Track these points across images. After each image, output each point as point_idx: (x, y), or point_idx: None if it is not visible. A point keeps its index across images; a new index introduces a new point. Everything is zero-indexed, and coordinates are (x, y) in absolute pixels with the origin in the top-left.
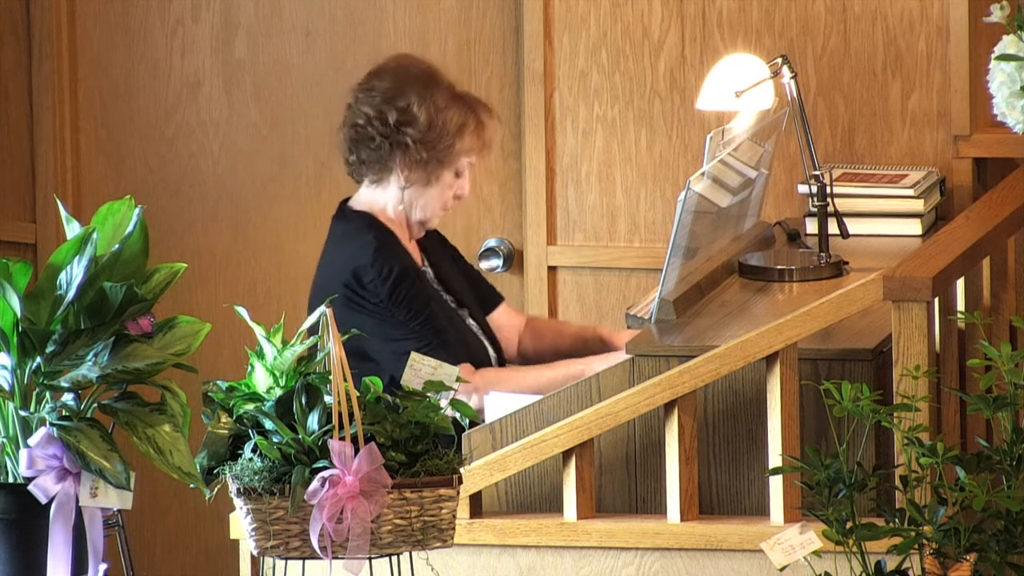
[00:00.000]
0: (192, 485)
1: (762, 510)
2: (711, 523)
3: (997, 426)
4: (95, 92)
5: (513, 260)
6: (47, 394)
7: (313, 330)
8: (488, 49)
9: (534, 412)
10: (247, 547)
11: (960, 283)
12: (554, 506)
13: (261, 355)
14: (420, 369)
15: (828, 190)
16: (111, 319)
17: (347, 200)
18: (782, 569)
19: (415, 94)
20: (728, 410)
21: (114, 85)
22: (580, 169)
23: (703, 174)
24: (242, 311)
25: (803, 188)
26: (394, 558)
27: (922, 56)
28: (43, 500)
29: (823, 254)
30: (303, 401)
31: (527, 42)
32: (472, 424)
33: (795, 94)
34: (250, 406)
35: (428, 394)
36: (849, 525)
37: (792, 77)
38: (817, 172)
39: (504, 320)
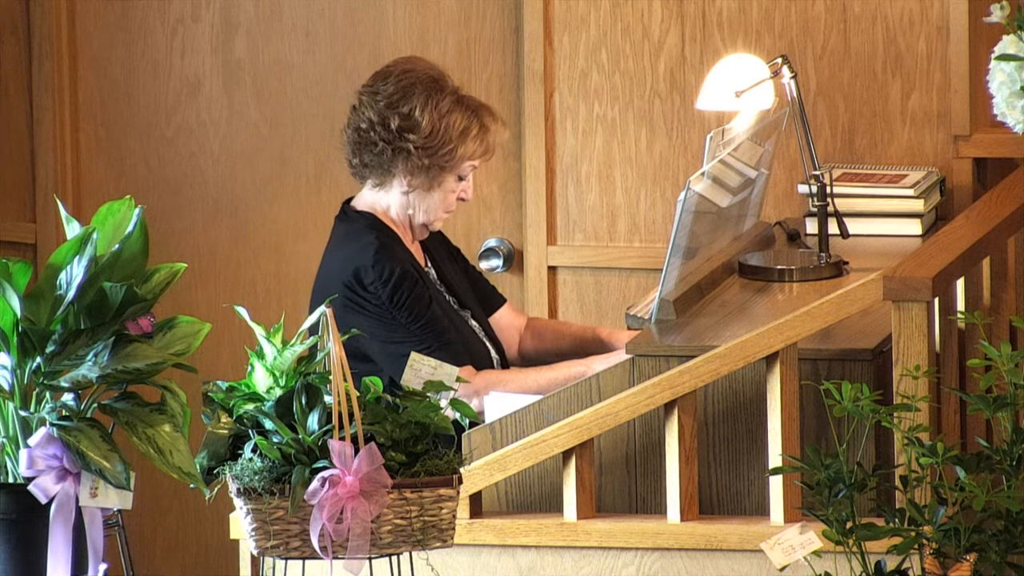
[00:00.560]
0: (192, 485)
1: (762, 510)
2: (711, 523)
3: (997, 426)
4: (95, 92)
5: (513, 260)
6: (47, 394)
7: (313, 330)
8: (488, 49)
9: (534, 412)
10: (247, 547)
11: (960, 283)
12: (554, 506)
13: (261, 355)
14: (420, 369)
15: (828, 190)
16: (111, 319)
17: (350, 200)
18: (782, 569)
19: (419, 99)
20: (728, 410)
21: (114, 85)
22: (580, 169)
23: (703, 174)
24: (242, 311)
25: (803, 188)
26: (394, 558)
27: (922, 56)
28: (43, 500)
29: (823, 254)
30: (303, 401)
31: (527, 42)
32: (472, 424)
33: (795, 94)
34: (250, 406)
35: (428, 394)
36: (849, 525)
37: (792, 77)
38: (817, 172)
39: (506, 321)
